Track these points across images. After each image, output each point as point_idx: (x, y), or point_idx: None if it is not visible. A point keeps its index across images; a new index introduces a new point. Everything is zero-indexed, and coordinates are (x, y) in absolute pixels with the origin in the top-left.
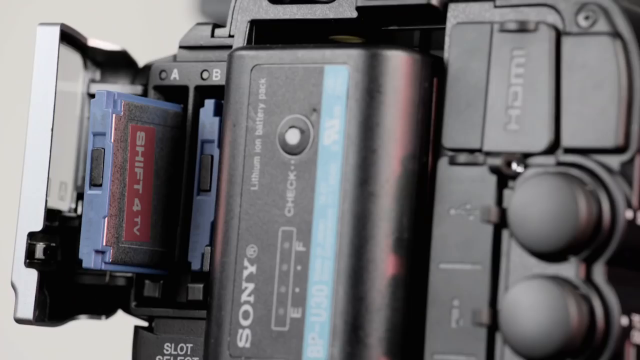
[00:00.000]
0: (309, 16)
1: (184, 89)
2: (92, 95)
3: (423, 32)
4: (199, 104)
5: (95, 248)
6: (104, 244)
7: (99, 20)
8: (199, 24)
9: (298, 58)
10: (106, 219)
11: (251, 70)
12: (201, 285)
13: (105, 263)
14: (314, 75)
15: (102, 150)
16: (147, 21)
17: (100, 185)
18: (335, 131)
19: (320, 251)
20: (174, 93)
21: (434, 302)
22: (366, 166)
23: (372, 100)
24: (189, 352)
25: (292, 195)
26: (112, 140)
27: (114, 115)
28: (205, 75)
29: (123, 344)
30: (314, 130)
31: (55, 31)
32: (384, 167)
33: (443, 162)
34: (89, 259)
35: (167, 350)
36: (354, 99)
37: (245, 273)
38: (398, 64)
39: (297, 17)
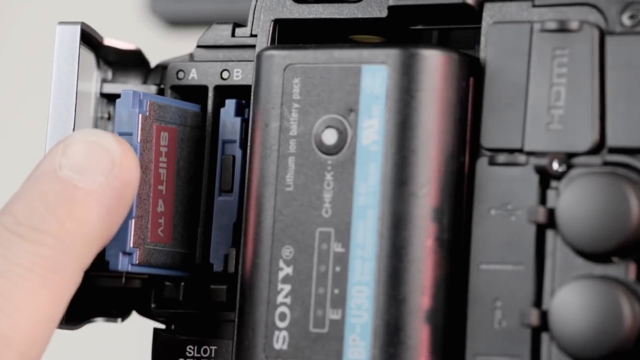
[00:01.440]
0: (335, 15)
1: (202, 88)
2: (105, 95)
3: (441, 32)
4: (219, 104)
5: (122, 250)
6: (132, 245)
7: (48, 17)
8: (217, 23)
9: (334, 58)
10: (133, 220)
11: (284, 69)
12: (225, 287)
13: (132, 265)
14: (350, 75)
15: None
16: (98, 19)
17: None
18: (374, 131)
19: (360, 252)
20: (191, 93)
21: (475, 303)
22: (406, 166)
23: (412, 100)
24: (213, 355)
25: (330, 195)
26: (139, 141)
27: (140, 115)
28: (225, 75)
29: (134, 347)
30: (351, 131)
31: (76, 30)
32: (424, 168)
33: (482, 162)
34: (116, 260)
35: (189, 353)
36: (393, 99)
37: (281, 274)
38: (438, 64)
39: (323, 16)
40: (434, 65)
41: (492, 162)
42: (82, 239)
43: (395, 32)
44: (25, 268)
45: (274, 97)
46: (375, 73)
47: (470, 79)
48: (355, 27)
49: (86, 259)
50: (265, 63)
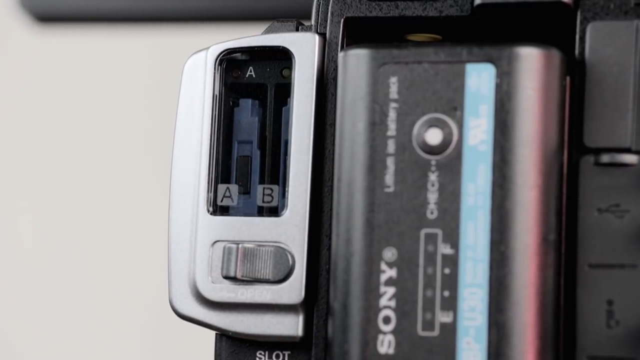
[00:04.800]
0: (414, 13)
1: (261, 86)
2: None
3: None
4: (280, 103)
5: None
6: None
7: None
8: (278, 20)
9: (434, 56)
10: None
11: (378, 68)
12: None
13: None
14: (453, 74)
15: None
16: None
17: None
18: (481, 131)
19: (471, 253)
20: (249, 91)
21: (585, 304)
22: (518, 167)
23: (522, 99)
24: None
25: (435, 196)
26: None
27: (259, 123)
28: (286, 72)
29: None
30: (457, 130)
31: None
32: (533, 167)
33: (587, 162)
34: None
35: (260, 359)
36: (503, 98)
37: (384, 277)
38: (545, 62)
39: (400, 14)
40: (542, 63)
41: (598, 162)
42: None
43: (452, 30)
44: None
45: (367, 96)
46: (481, 72)
47: (567, 78)
48: (416, 25)
49: None
50: (355, 62)
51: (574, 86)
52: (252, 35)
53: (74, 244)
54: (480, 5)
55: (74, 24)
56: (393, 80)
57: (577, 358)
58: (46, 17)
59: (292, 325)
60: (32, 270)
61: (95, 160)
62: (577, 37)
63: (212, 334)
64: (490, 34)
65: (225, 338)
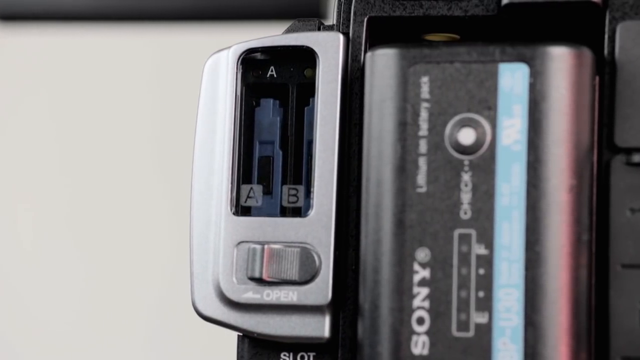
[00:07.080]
0: (437, 13)
1: (282, 86)
2: None
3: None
4: (303, 102)
5: None
6: None
7: None
8: (299, 20)
9: (466, 56)
10: None
11: (409, 68)
12: None
13: None
14: (486, 73)
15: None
16: None
17: None
18: (515, 131)
19: (505, 254)
20: (270, 90)
21: (618, 304)
22: (551, 166)
23: (556, 98)
24: None
25: (468, 196)
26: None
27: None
28: (308, 72)
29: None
30: (490, 130)
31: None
32: (567, 167)
33: (618, 162)
34: None
35: None
36: (537, 98)
37: (417, 278)
38: (577, 61)
39: (425, 14)
40: (575, 62)
41: (629, 162)
42: None
43: (471, 30)
44: None
45: (397, 96)
46: (514, 72)
47: (596, 77)
48: (438, 24)
49: None
50: (383, 62)
51: (603, 86)
52: (275, 35)
53: (74, 244)
54: (508, 5)
55: (38, 23)
56: (424, 80)
57: (610, 358)
58: (9, 16)
59: (318, 326)
60: (32, 270)
61: (93, 159)
62: (606, 36)
63: (216, 333)
64: (512, 33)
65: (247, 339)
